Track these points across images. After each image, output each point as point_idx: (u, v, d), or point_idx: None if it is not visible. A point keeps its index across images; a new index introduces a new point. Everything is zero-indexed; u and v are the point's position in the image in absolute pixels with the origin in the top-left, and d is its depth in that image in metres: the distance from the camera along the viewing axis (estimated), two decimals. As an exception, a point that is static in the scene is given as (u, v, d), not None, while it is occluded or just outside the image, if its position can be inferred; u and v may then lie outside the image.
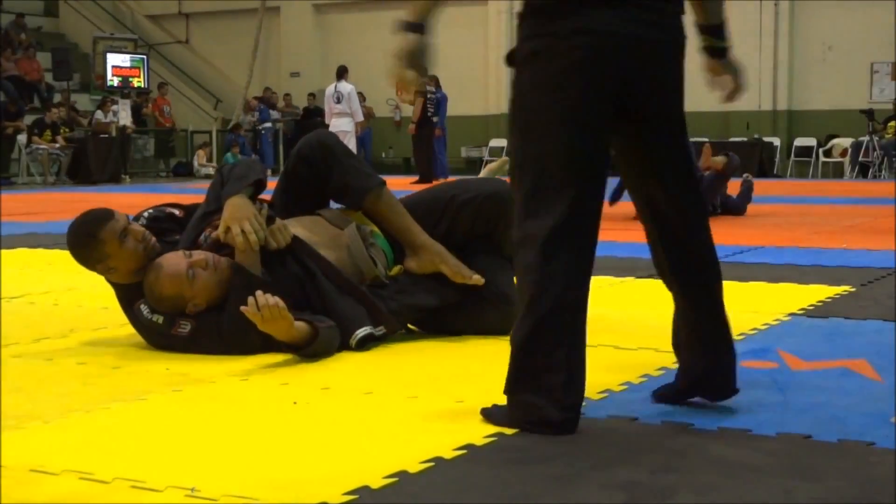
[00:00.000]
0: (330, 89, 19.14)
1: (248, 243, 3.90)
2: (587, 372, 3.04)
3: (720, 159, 10.17)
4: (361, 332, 4.00)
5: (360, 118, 19.17)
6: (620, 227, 9.46)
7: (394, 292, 4.20)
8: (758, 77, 22.46)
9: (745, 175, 11.27)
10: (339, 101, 18.60)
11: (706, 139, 18.84)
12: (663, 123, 3.06)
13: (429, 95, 18.63)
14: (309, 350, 3.86)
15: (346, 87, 18.94)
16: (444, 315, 4.31)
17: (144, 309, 4.03)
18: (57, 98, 23.27)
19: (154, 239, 4.06)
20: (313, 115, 23.60)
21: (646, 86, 2.99)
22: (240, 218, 3.92)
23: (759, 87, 22.50)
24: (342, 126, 18.03)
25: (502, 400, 3.26)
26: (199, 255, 3.95)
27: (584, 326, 2.99)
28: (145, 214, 4.29)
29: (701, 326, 3.14)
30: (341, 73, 19.66)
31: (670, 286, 3.16)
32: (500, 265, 4.31)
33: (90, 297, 5.04)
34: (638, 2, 2.92)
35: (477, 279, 4.17)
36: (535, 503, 2.36)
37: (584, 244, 3.01)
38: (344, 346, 3.99)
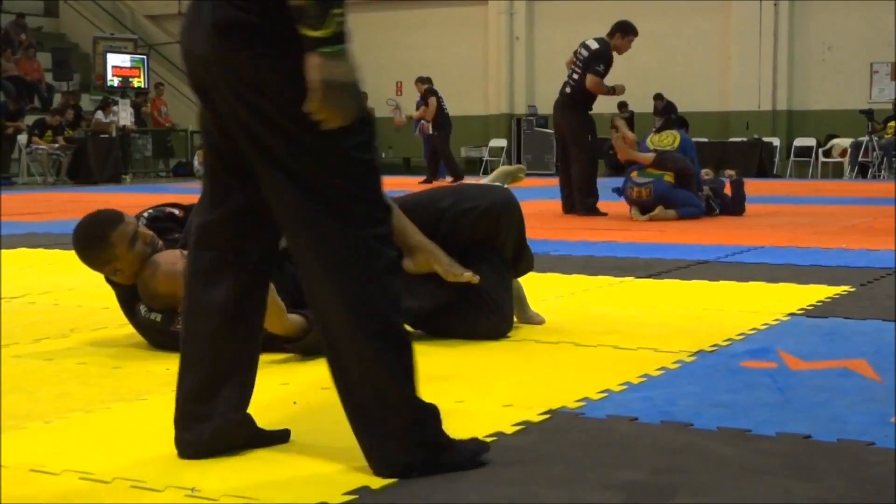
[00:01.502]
0: None
1: None
2: (589, 371, 3.03)
3: (650, 156, 10.14)
4: None
5: None
6: (619, 228, 9.49)
7: None
8: (757, 77, 22.52)
9: (728, 173, 11.20)
10: None
11: (706, 139, 19.00)
12: (251, 150, 2.63)
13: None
14: (304, 343, 3.86)
15: None
16: (437, 319, 4.33)
17: (142, 308, 4.05)
18: (58, 99, 23.25)
19: (161, 242, 4.07)
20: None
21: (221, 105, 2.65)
22: None
23: (759, 88, 22.55)
24: None
25: (498, 399, 3.27)
26: None
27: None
28: (145, 214, 4.30)
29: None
30: None
31: None
32: (495, 272, 4.33)
33: (90, 297, 5.04)
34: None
35: (469, 276, 4.17)
36: (537, 496, 2.36)
37: None
38: None
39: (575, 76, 11.39)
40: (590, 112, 11.38)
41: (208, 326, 2.72)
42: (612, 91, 11.47)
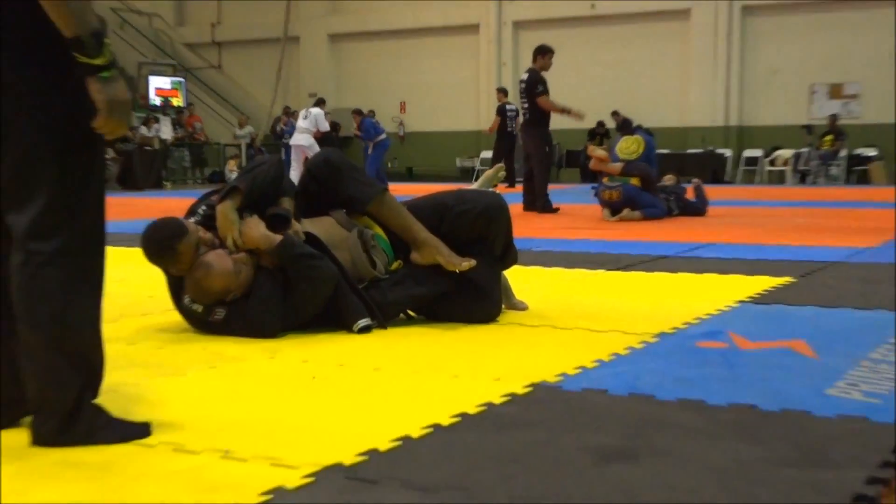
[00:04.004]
0: (302, 111, 19.00)
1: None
2: (566, 350, 3.01)
3: (617, 166, 10.20)
4: (362, 322, 4.07)
5: (324, 128, 18.97)
6: (593, 228, 9.50)
7: (391, 284, 4.26)
8: (712, 97, 22.54)
9: (693, 180, 11.28)
10: (305, 118, 18.41)
11: (667, 150, 19.01)
12: None
13: (508, 112, 18.61)
14: (288, 250, 3.99)
15: (314, 110, 18.78)
16: (437, 305, 4.33)
17: (186, 298, 4.07)
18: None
19: (219, 241, 4.08)
20: (330, 131, 23.59)
21: None
22: (223, 226, 4.06)
23: (713, 106, 22.57)
24: (301, 141, 18.05)
25: (488, 374, 3.28)
26: (241, 254, 4.00)
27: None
28: (200, 211, 4.27)
29: None
30: (319, 102, 20.05)
31: None
32: (487, 266, 4.34)
33: (137, 287, 5.05)
34: None
35: (466, 265, 4.21)
36: (519, 462, 2.38)
37: None
38: (346, 326, 4.08)
39: (525, 105, 12.06)
40: (546, 129, 11.76)
41: None
42: (566, 110, 11.81)
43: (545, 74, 11.83)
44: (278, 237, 4.02)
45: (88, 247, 2.57)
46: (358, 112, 22.08)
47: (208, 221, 4.15)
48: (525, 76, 11.99)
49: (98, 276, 2.63)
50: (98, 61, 2.43)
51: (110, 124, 2.48)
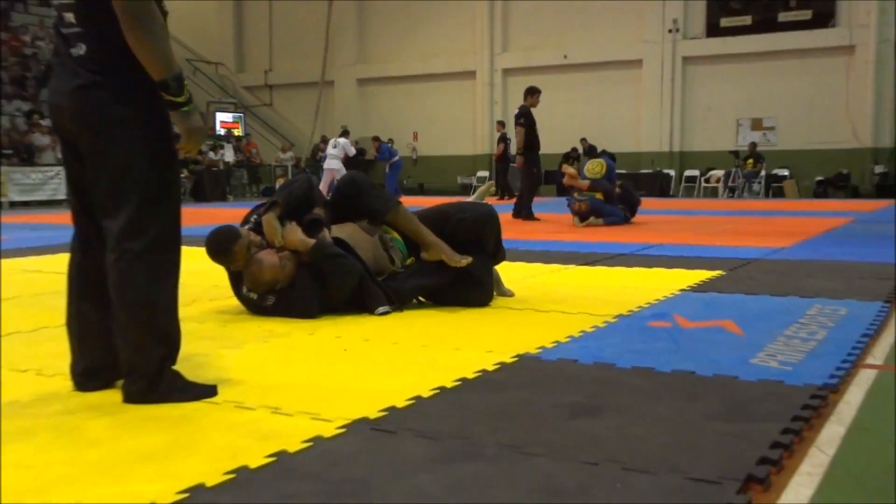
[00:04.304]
0: (332, 141, 19.25)
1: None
2: (545, 328, 3.01)
3: (585, 183, 10.22)
4: (383, 308, 4.08)
5: (351, 153, 19.11)
6: (565, 232, 9.50)
7: (406, 276, 4.29)
8: (659, 128, 22.53)
9: (620, 182, 11.08)
10: (335, 146, 18.61)
11: (624, 171, 19.00)
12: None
13: (508, 139, 18.55)
14: (322, 263, 3.99)
15: (342, 140, 19.01)
16: (443, 293, 4.33)
17: (244, 288, 4.09)
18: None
19: (266, 243, 4.10)
20: (357, 155, 23.63)
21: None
22: (269, 232, 4.09)
23: (660, 135, 22.54)
24: (333, 165, 18.20)
25: (483, 347, 3.28)
26: (285, 252, 4.01)
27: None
28: (252, 219, 4.29)
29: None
30: (344, 132, 20.31)
31: None
32: (481, 261, 4.35)
33: (206, 279, 5.06)
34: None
35: (465, 262, 4.23)
36: (507, 416, 2.38)
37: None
38: (369, 310, 4.08)
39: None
40: (533, 154, 11.71)
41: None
42: (520, 148, 11.83)
43: (534, 109, 11.80)
44: (312, 241, 4.05)
45: (167, 246, 2.59)
46: (376, 139, 22.19)
47: (258, 228, 4.18)
48: (517, 111, 11.97)
49: (175, 269, 2.65)
50: (180, 99, 2.52)
51: (190, 146, 2.62)
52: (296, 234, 4.06)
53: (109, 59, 2.48)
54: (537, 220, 11.46)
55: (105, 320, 2.64)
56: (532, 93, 11.89)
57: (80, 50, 2.49)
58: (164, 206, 2.58)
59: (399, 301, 4.19)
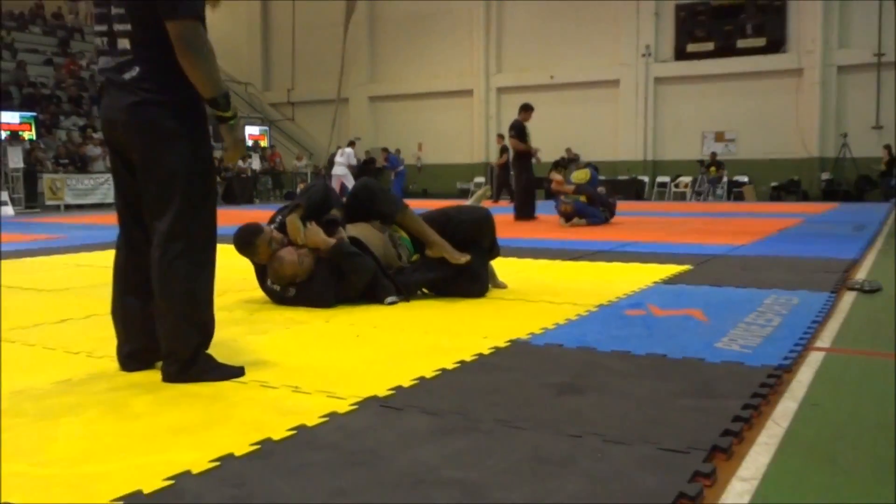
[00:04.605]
0: (339, 150, 19.74)
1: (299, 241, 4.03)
2: (534, 317, 2.98)
3: (571, 188, 10.23)
4: (391, 298, 4.07)
5: (353, 162, 19.48)
6: (552, 231, 9.48)
7: (412, 271, 4.28)
8: (634, 139, 22.48)
9: (600, 189, 11.06)
10: (341, 156, 19.11)
11: (603, 177, 18.98)
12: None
13: (508, 149, 18.54)
14: (342, 261, 3.96)
15: (347, 150, 19.51)
16: (444, 285, 4.31)
17: (269, 280, 4.07)
18: (217, 154, 23.09)
19: (288, 240, 4.08)
20: (369, 164, 23.55)
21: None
22: (292, 232, 4.04)
23: (636, 146, 22.50)
24: (339, 171, 18.67)
25: (479, 333, 3.27)
26: (304, 249, 3.99)
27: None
28: (276, 220, 4.26)
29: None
30: (351, 143, 20.45)
31: None
32: (478, 257, 4.33)
33: (236, 272, 5.04)
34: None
35: (464, 260, 4.21)
36: (501, 394, 2.37)
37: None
38: (379, 300, 4.06)
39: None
40: (525, 162, 11.62)
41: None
42: (529, 149, 11.63)
43: (528, 124, 11.76)
44: (332, 241, 4.03)
45: (206, 245, 2.61)
46: (384, 150, 22.15)
47: (282, 228, 4.16)
48: (512, 123, 11.93)
49: (212, 266, 2.66)
50: (227, 114, 2.58)
51: (234, 154, 2.71)
52: (318, 235, 4.05)
53: (160, 79, 2.50)
54: (535, 218, 11.39)
55: (146, 309, 2.64)
56: (525, 109, 11.86)
57: (134, 72, 2.50)
58: (203, 211, 2.59)
59: (406, 292, 4.17)
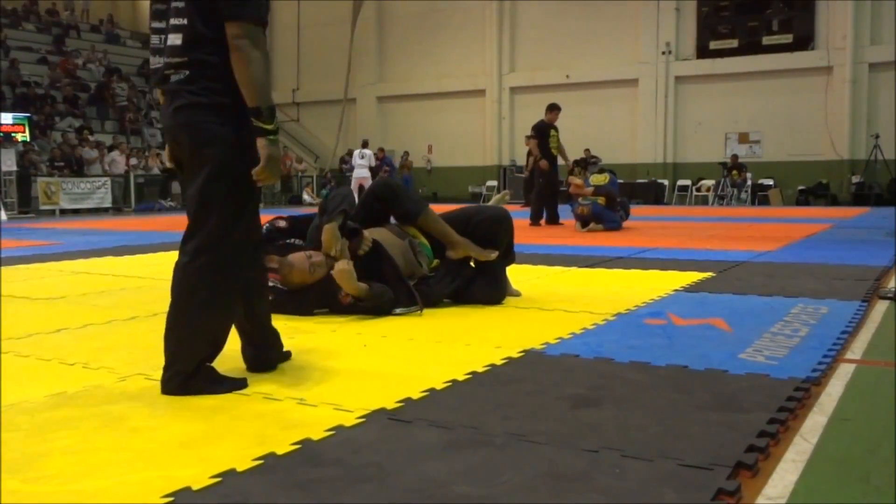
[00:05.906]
0: (357, 152, 20.05)
1: (338, 257, 3.95)
2: (549, 325, 2.97)
3: (590, 190, 10.26)
4: (401, 310, 4.06)
5: (373, 164, 19.88)
6: (568, 236, 9.48)
7: (435, 282, 4.30)
8: (654, 141, 22.46)
9: (621, 198, 11.07)
10: (362, 157, 19.44)
11: (621, 180, 18.97)
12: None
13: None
14: (365, 303, 3.91)
15: (367, 151, 19.91)
16: (465, 292, 4.35)
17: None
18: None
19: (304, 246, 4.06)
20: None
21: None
22: (329, 241, 3.94)
23: (655, 148, 22.47)
24: (363, 174, 19.01)
25: (491, 343, 3.26)
26: (317, 257, 3.97)
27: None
28: (265, 227, 4.26)
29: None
30: (364, 144, 20.75)
31: None
32: (499, 260, 4.42)
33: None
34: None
35: (493, 256, 4.36)
36: (514, 407, 2.36)
37: None
38: (392, 312, 4.03)
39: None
40: (548, 165, 11.56)
41: None
42: (539, 155, 11.62)
43: (557, 124, 11.75)
44: (365, 286, 3.91)
45: (235, 263, 2.59)
46: (381, 150, 22.38)
47: (268, 234, 4.11)
48: (535, 123, 11.89)
49: (238, 283, 2.64)
50: (269, 126, 2.51)
51: (266, 174, 2.53)
52: (352, 281, 3.86)
53: (206, 82, 2.52)
54: (559, 224, 11.33)
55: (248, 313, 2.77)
56: (551, 109, 11.78)
57: (181, 76, 2.53)
58: (236, 228, 2.58)
59: (429, 303, 4.18)
